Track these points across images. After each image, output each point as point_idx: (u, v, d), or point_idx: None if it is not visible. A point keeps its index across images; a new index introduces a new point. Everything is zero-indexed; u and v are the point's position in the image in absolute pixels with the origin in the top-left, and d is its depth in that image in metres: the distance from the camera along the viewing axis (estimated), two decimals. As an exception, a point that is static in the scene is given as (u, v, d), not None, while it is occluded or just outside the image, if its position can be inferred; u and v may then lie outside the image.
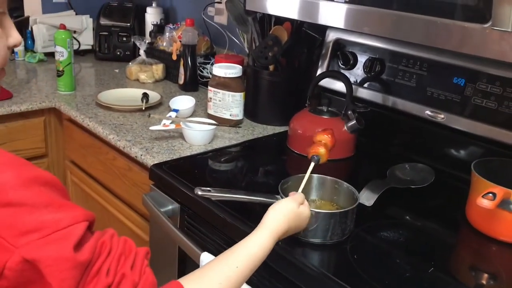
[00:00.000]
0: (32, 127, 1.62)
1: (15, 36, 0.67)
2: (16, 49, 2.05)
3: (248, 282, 0.89)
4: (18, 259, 0.51)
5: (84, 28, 2.16)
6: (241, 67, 1.50)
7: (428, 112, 1.24)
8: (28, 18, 2.12)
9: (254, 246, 0.75)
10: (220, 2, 1.94)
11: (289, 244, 0.90)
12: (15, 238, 0.51)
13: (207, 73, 1.87)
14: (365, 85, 1.39)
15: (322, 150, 0.97)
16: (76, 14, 2.20)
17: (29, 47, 2.10)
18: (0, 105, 1.54)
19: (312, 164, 0.95)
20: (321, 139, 0.98)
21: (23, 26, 2.12)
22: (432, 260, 0.91)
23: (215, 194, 0.92)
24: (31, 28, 2.08)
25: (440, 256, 0.94)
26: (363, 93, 1.38)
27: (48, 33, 2.07)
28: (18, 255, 0.51)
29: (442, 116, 1.21)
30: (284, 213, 0.81)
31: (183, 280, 0.65)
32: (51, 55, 2.04)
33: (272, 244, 0.77)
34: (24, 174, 0.55)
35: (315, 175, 1.01)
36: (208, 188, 0.91)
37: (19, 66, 2.00)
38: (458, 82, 1.19)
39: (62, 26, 1.67)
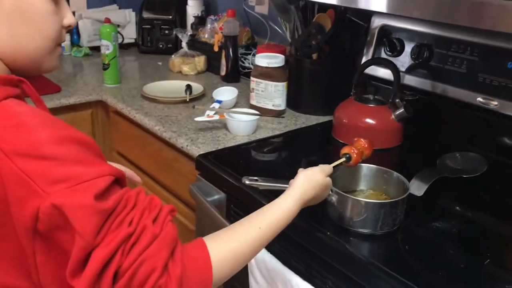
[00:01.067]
0: (80, 119, 1.67)
1: (69, 17, 0.71)
2: (62, 44, 2.11)
3: (299, 272, 0.89)
4: (48, 204, 0.57)
5: (127, 22, 2.20)
6: (283, 56, 1.49)
7: (480, 99, 1.19)
8: (73, 13, 2.17)
9: (280, 211, 0.77)
10: (261, -8, 1.93)
11: (338, 235, 0.89)
12: (47, 186, 0.57)
13: (249, 63, 1.87)
14: (413, 72, 1.35)
15: (355, 155, 0.93)
16: (120, 8, 2.24)
17: (75, 42, 2.15)
18: (50, 98, 1.58)
19: (341, 160, 0.93)
20: (358, 146, 0.95)
21: (69, 21, 2.18)
22: (488, 252, 0.87)
23: (262, 184, 0.91)
24: (77, 23, 2.13)
25: (495, 248, 0.91)
26: (411, 80, 1.34)
27: (93, 28, 2.12)
28: (48, 201, 0.57)
29: (495, 103, 1.16)
30: (313, 183, 0.82)
31: (206, 238, 0.68)
32: (96, 49, 2.10)
33: (297, 210, 0.79)
34: (60, 133, 0.61)
35: (364, 165, 1.00)
36: (255, 178, 0.91)
37: (66, 61, 2.05)
38: (513, 67, 1.14)
39: (107, 20, 1.70)
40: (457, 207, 1.04)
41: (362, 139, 0.96)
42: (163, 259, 0.60)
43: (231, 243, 0.69)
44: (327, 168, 0.87)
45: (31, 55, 0.68)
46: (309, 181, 0.82)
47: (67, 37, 2.12)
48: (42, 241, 0.60)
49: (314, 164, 1.24)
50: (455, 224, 0.97)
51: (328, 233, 0.90)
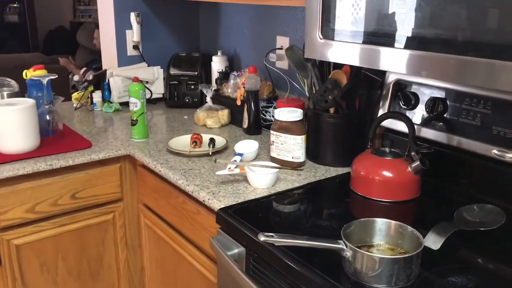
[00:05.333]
0: (109, 173, 1.75)
1: None
2: (95, 101, 2.23)
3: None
4: None
5: (155, 79, 2.32)
6: (301, 110, 1.54)
7: (495, 151, 1.21)
8: (105, 71, 2.31)
9: None
10: (281, 48, 2.02)
11: (353, 290, 0.90)
12: None
13: (270, 116, 1.93)
14: (428, 125, 1.38)
15: None
16: (148, 65, 2.36)
17: (106, 98, 2.27)
18: (81, 154, 1.67)
19: None
20: None
21: (101, 78, 2.31)
22: (505, 308, 0.87)
23: (278, 240, 0.94)
24: (108, 81, 2.26)
25: (514, 303, 0.90)
26: (426, 133, 1.37)
27: (123, 85, 2.24)
28: None
29: (510, 155, 1.17)
30: None
31: None
32: (125, 104, 2.21)
33: None
34: None
35: (379, 219, 1.02)
36: (271, 234, 0.94)
37: (97, 116, 2.17)
38: (526, 120, 1.16)
39: (136, 79, 1.80)
40: (475, 261, 1.04)
41: None
42: None
43: None
44: None
45: None
46: None
47: (99, 93, 2.25)
48: None
49: (333, 217, 1.28)
50: (472, 278, 0.96)
51: (344, 288, 0.91)
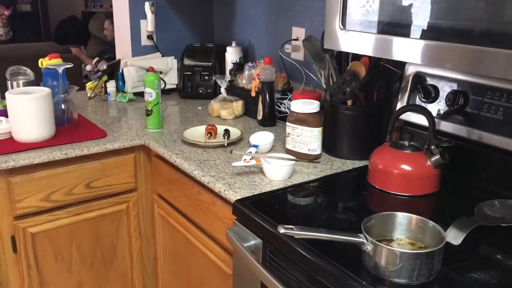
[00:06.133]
0: (124, 163, 1.75)
1: None
2: (108, 90, 2.23)
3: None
4: None
5: (169, 69, 2.31)
6: (318, 102, 1.53)
7: (517, 145, 1.18)
8: (119, 61, 2.30)
9: None
10: (296, 39, 2.00)
11: (374, 284, 0.89)
12: None
13: (285, 108, 1.91)
14: (448, 118, 1.36)
15: None
16: (162, 56, 2.35)
17: (120, 88, 2.27)
18: (96, 143, 1.67)
19: None
20: None
21: (115, 68, 2.31)
22: (529, 305, 0.86)
23: (297, 232, 0.93)
24: (122, 71, 2.26)
25: (537, 301, 0.89)
26: (446, 126, 1.35)
27: (137, 75, 2.24)
28: None
29: (534, 150, 1.15)
30: None
31: None
32: (139, 94, 2.20)
33: None
34: None
35: (399, 213, 1.00)
36: (291, 226, 0.93)
37: (111, 106, 2.17)
38: (551, 114, 1.13)
39: (151, 69, 1.80)
40: (496, 257, 1.02)
41: None
42: None
43: None
44: None
45: None
46: None
47: (113, 83, 2.25)
48: None
49: (351, 210, 1.27)
50: (494, 274, 0.95)
51: (364, 282, 0.90)
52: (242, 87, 2.04)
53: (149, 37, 2.37)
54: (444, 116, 1.37)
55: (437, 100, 1.39)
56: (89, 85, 2.30)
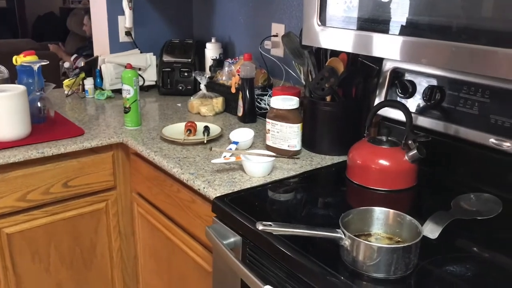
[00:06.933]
0: (102, 161, 1.72)
1: None
2: (86, 88, 2.20)
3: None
4: None
5: (148, 65, 2.29)
6: (298, 98, 1.53)
7: (492, 140, 1.20)
8: (97, 58, 2.27)
9: None
10: (276, 36, 2.00)
11: (352, 279, 0.90)
12: None
13: (265, 104, 1.91)
14: (425, 113, 1.37)
15: None
16: (141, 52, 2.33)
17: (98, 85, 2.24)
18: (73, 142, 1.65)
19: None
20: None
21: (93, 65, 2.27)
22: (503, 296, 0.87)
23: (276, 229, 0.93)
24: (100, 68, 2.23)
25: (512, 292, 0.90)
26: (423, 121, 1.36)
27: (115, 71, 2.21)
28: None
29: (508, 144, 1.17)
30: None
31: None
32: (117, 91, 2.18)
33: None
34: None
35: (377, 208, 1.01)
36: (269, 223, 0.93)
37: (89, 103, 2.13)
38: (524, 108, 1.15)
39: (129, 66, 1.77)
40: (472, 250, 1.04)
41: None
42: None
43: None
44: None
45: None
46: None
47: (90, 80, 2.21)
48: None
49: (330, 205, 1.27)
50: (470, 267, 0.96)
51: (342, 277, 0.91)
52: (222, 83, 2.03)
53: (127, 33, 2.34)
54: (421, 111, 1.38)
55: (414, 96, 1.40)
56: (66, 82, 2.26)
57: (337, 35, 1.24)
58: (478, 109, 1.24)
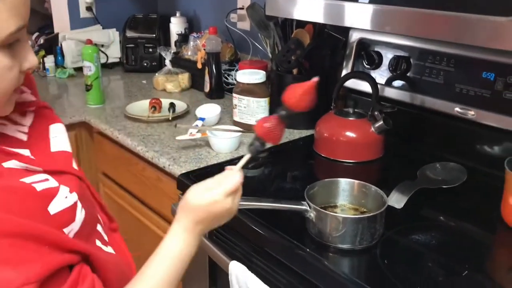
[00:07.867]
0: (65, 141, 1.67)
1: (30, 60, 0.65)
2: (47, 66, 2.12)
3: (277, 290, 0.89)
4: None
5: (111, 42, 2.21)
6: (264, 72, 1.50)
7: (457, 109, 1.20)
8: (57, 35, 2.18)
9: (170, 253, 0.77)
10: (242, 8, 1.95)
11: (318, 251, 0.89)
12: None
13: (232, 79, 1.87)
14: (392, 84, 1.36)
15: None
16: (103, 28, 2.25)
17: (59, 63, 2.16)
18: (33, 121, 1.58)
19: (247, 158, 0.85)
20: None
21: (53, 43, 2.18)
22: (467, 262, 0.88)
23: (242, 203, 0.91)
24: (61, 45, 2.14)
25: (475, 258, 0.91)
26: (389, 92, 1.35)
27: (76, 49, 2.13)
28: None
29: (472, 112, 1.17)
30: (194, 206, 0.77)
31: None
32: (80, 69, 2.10)
33: (191, 238, 0.78)
34: None
35: (342, 180, 1.00)
36: (234, 197, 0.91)
37: (50, 82, 2.06)
38: (488, 76, 1.15)
39: (89, 41, 1.71)
40: (438, 218, 1.04)
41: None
42: None
43: None
44: (227, 182, 0.78)
45: None
46: (189, 205, 0.76)
47: (51, 58, 2.13)
48: None
49: (297, 179, 1.26)
50: (434, 235, 0.97)
51: (308, 250, 0.90)
52: (187, 58, 1.98)
53: (88, 8, 2.25)
54: (387, 82, 1.37)
55: (381, 67, 1.39)
56: (25, 61, 2.16)
57: (302, 4, 1.20)
58: (444, 79, 1.24)
